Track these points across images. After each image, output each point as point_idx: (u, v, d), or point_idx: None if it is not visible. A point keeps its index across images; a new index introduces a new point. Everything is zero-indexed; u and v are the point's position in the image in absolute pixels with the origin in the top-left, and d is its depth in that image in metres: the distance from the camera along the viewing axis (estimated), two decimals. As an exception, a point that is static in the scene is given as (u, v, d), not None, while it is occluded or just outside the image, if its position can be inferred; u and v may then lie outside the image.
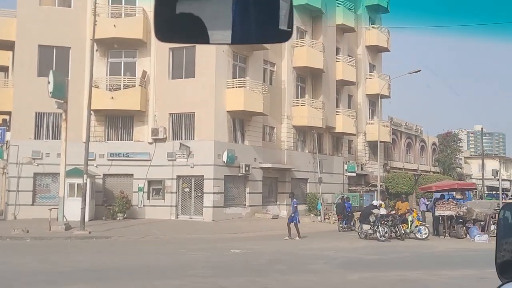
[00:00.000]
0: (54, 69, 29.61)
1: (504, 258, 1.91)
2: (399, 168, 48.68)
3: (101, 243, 19.61)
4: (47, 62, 29.67)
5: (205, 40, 1.62)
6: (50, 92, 22.49)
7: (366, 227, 19.65)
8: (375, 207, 20.00)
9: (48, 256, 15.14)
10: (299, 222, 21.34)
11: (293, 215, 21.30)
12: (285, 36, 1.60)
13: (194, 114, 28.97)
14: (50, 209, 23.05)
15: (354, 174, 38.96)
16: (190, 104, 28.72)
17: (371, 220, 19.57)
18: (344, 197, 28.74)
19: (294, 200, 22.17)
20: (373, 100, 44.83)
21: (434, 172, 54.74)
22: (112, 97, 28.77)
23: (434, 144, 57.96)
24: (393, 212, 20.78)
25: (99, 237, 20.84)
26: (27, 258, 14.86)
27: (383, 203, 21.48)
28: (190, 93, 28.74)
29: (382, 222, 19.22)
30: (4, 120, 32.13)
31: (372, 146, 44.51)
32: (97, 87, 29.52)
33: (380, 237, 19.08)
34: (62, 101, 23.31)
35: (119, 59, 30.37)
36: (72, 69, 29.68)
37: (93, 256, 15.63)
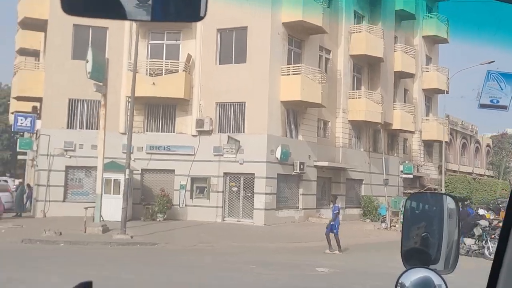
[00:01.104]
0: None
1: (409, 246, 2.00)
2: (454, 171, 44.80)
3: (147, 251, 16.49)
4: (82, 44, 26.74)
5: (115, 15, 1.49)
6: (89, 73, 19.49)
7: (469, 241, 16.11)
8: (481, 217, 16.48)
9: (87, 270, 12.04)
10: (337, 233, 17.51)
11: (332, 223, 17.62)
12: (197, 15, 1.48)
13: (244, 104, 25.73)
14: (86, 208, 20.10)
15: (411, 176, 35.30)
16: (240, 92, 25.49)
17: (477, 233, 16.06)
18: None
19: (336, 205, 18.28)
20: (429, 96, 41.11)
21: (488, 176, 50.62)
22: (154, 83, 25.68)
23: (488, 146, 53.77)
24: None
25: (143, 243, 17.73)
26: (64, 268, 11.82)
27: (488, 213, 17.89)
28: (240, 80, 25.50)
29: (492, 236, 15.65)
30: (34, 108, 29.34)
31: (427, 145, 40.78)
32: (137, 72, 26.52)
33: (490, 254, 15.50)
34: (101, 84, 20.30)
35: (161, 42, 27.30)
36: (109, 52, 26.65)
37: (143, 269, 12.51)
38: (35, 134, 28.87)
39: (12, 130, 29.15)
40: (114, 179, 23.95)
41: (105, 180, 24.24)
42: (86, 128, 26.64)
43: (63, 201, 25.89)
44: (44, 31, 28.85)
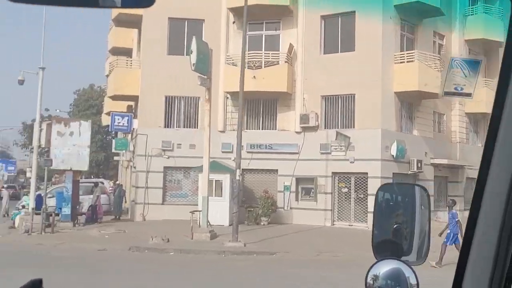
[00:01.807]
0: (185, 46, 25.52)
1: (381, 238, 1.98)
2: None
3: (267, 262, 14.54)
4: (177, 38, 25.52)
5: (66, 1, 1.48)
6: (193, 64, 17.88)
7: None
8: None
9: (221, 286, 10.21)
10: (448, 243, 14.15)
11: (448, 231, 14.26)
12: (148, 1, 1.43)
13: (353, 97, 23.34)
14: (192, 212, 18.56)
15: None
16: (349, 84, 23.10)
17: None
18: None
19: (454, 211, 15.09)
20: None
21: None
22: (254, 76, 23.83)
23: None
24: None
25: (259, 252, 15.81)
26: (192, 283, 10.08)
27: None
28: (349, 70, 23.10)
29: None
30: (129, 107, 28.48)
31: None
32: (235, 65, 24.86)
33: None
34: (206, 77, 18.67)
35: (260, 32, 25.43)
36: (206, 46, 25.12)
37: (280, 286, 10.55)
38: (130, 134, 27.97)
39: (110, 130, 28.46)
40: (216, 180, 22.35)
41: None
42: (184, 127, 25.32)
43: (162, 203, 24.68)
44: (138, 28, 27.93)
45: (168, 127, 25.14)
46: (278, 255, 15.37)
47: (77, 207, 22.59)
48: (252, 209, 23.58)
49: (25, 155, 57.77)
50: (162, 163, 24.79)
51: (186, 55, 25.22)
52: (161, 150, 24.71)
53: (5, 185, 44.50)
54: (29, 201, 22.21)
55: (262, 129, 25.08)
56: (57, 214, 20.95)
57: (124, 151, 29.48)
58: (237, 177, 18.06)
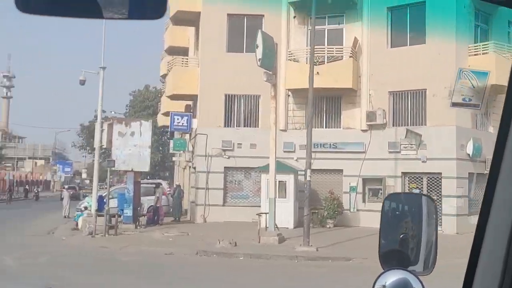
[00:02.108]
0: (245, 43, 24.85)
1: (387, 247, 1.99)
2: None
3: (345, 269, 13.52)
4: (237, 35, 24.84)
5: (72, 13, 1.46)
6: (259, 60, 17.08)
7: None
8: None
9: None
10: None
11: None
12: (158, 11, 1.44)
13: (424, 92, 21.98)
14: (259, 215, 17.76)
15: None
16: (419, 78, 21.75)
17: None
18: None
19: None
20: None
21: None
22: (318, 72, 22.75)
23: None
24: None
25: (334, 257, 14.81)
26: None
27: None
28: (419, 64, 21.75)
29: None
30: (187, 106, 28.00)
31: None
32: (296, 61, 23.98)
33: None
34: (271, 72, 17.83)
35: (322, 26, 24.36)
36: (266, 42, 24.30)
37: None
38: (189, 135, 27.49)
39: (169, 130, 28.09)
40: (279, 181, 21.46)
41: (268, 182, 22.01)
42: (244, 126, 24.60)
43: (223, 205, 24.03)
44: (195, 26, 27.45)
45: (228, 126, 24.49)
46: (356, 262, 14.31)
47: (138, 208, 22.22)
48: (316, 211, 22.54)
49: (83, 156, 58.93)
50: (222, 164, 24.15)
51: (246, 52, 24.80)
52: (221, 150, 24.07)
53: (66, 186, 45.26)
54: (91, 202, 22.00)
55: (326, 127, 24.05)
56: (119, 216, 20.60)
57: (181, 151, 29.07)
58: (308, 178, 17.14)
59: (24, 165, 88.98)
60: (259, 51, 17.05)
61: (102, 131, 21.52)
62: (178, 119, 25.20)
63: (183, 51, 31.43)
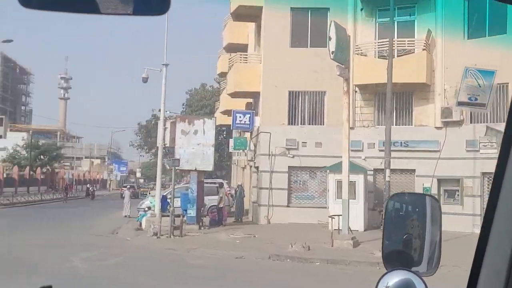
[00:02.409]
0: (309, 37, 23.90)
1: (391, 248, 1.99)
2: None
3: (438, 278, 12.29)
4: (300, 30, 23.90)
5: (75, 8, 1.45)
6: (332, 52, 16.07)
7: None
8: None
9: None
10: None
11: None
12: (163, 7, 1.45)
13: (506, 86, 20.41)
14: (332, 217, 16.79)
15: None
16: (501, 71, 20.08)
17: None
18: None
19: None
20: None
21: None
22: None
23: None
24: None
25: (419, 264, 13.63)
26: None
27: None
28: (500, 56, 20.14)
29: None
30: (248, 104, 27.27)
31: None
32: (364, 55, 22.80)
33: None
34: (344, 66, 16.80)
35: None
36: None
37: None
38: (249, 133, 26.76)
39: (231, 128, 27.46)
40: (343, 181, 20.37)
41: (337, 183, 21.03)
42: (309, 124, 23.65)
43: (287, 206, 23.15)
44: (256, 21, 26.70)
45: (292, 124, 23.61)
46: (445, 269, 13.07)
47: (202, 209, 21.63)
48: (386, 213, 21.32)
49: (140, 155, 59.43)
50: (286, 163, 23.28)
51: (310, 47, 23.86)
52: (285, 149, 23.20)
53: (128, 185, 45.49)
54: (154, 202, 21.59)
55: (396, 124, 22.69)
56: (183, 216, 20.07)
57: (241, 150, 28.40)
58: (387, 178, 16.02)
59: (81, 164, 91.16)
60: (332, 44, 16.06)
61: (165, 129, 21.05)
62: (240, 117, 24.52)
63: (242, 48, 30.74)
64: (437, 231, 1.95)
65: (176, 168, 20.67)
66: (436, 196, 21.36)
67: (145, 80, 23.78)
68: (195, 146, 20.89)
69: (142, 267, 13.10)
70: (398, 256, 1.93)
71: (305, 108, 23.77)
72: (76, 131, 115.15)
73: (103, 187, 79.04)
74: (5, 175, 49.59)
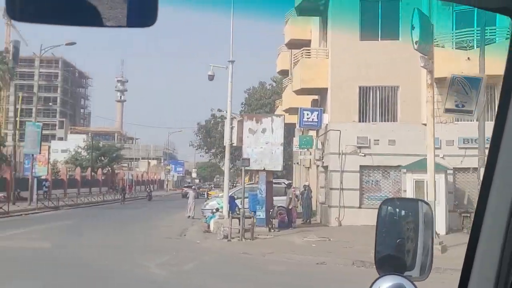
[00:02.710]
0: (380, 29, 22.69)
1: (383, 253, 1.98)
2: None
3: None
4: (370, 21, 22.69)
5: (65, 21, 1.45)
6: (415, 42, 14.89)
7: None
8: None
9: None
10: None
11: None
12: (150, 20, 1.46)
13: None
14: (417, 220, 15.50)
15: None
16: None
17: None
18: None
19: None
20: None
21: None
22: (468, 58, 20.12)
23: None
24: None
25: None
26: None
27: None
28: None
29: None
30: (314, 101, 26.28)
31: None
32: (441, 47, 21.36)
33: None
34: (427, 57, 15.58)
35: (470, 7, 21.52)
36: (404, 26, 21.97)
37: None
38: (316, 131, 25.76)
39: (298, 126, 26.56)
40: (427, 181, 19.07)
41: (415, 183, 19.78)
42: (381, 121, 22.42)
43: (359, 207, 22.02)
44: (321, 15, 25.67)
45: (363, 121, 22.46)
46: None
47: (271, 210, 20.83)
48: (468, 215, 19.88)
49: (200, 155, 59.42)
50: (357, 162, 22.14)
51: (381, 39, 22.65)
52: (356, 147, 22.07)
53: (192, 186, 45.39)
54: (221, 203, 20.97)
55: (477, 120, 21.18)
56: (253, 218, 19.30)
57: (305, 149, 27.46)
58: (481, 178, 14.56)
59: (139, 165, 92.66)
60: (416, 33, 14.86)
61: (231, 128, 20.38)
62: (307, 114, 23.56)
63: (305, 44, 29.71)
64: (429, 236, 1.97)
65: (246, 167, 19.95)
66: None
67: (211, 78, 23.20)
68: (263, 145, 20.12)
69: (220, 273, 12.39)
70: (390, 261, 1.93)
71: (376, 104, 22.56)
72: (132, 132, 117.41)
73: (160, 188, 79.90)
74: (67, 176, 50.60)
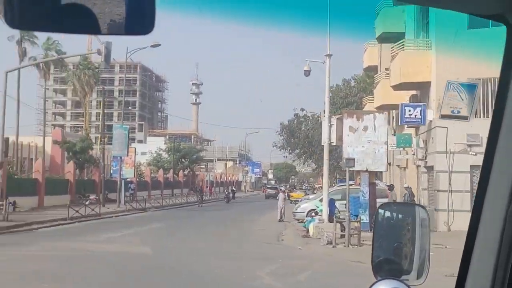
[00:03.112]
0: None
1: (380, 257, 1.97)
2: None
3: None
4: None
5: (63, 29, 1.43)
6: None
7: None
8: None
9: None
10: None
11: None
12: (147, 27, 1.42)
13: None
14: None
15: None
16: None
17: None
18: None
19: None
20: None
21: None
22: None
23: None
24: None
25: None
26: None
27: None
28: None
29: None
30: (413, 96, 24.51)
31: None
32: None
33: None
34: None
35: None
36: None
37: None
38: (415, 129, 24.04)
39: (400, 123, 24.96)
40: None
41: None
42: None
43: (470, 210, 20.08)
44: (420, 2, 23.87)
45: (476, 117, 20.55)
46: None
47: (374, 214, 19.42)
48: None
49: (284, 156, 58.49)
50: (467, 161, 20.25)
51: (492, 26, 20.64)
52: (466, 145, 20.20)
53: (283, 188, 44.62)
54: (320, 206, 19.81)
55: None
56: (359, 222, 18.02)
57: (403, 148, 25.73)
58: None
59: (215, 167, 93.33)
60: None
61: (330, 126, 19.17)
62: (409, 110, 21.87)
63: (399, 37, 28.00)
64: (426, 240, 1.96)
65: (351, 168, 18.66)
66: None
67: (307, 73, 22.14)
68: (365, 144, 18.77)
69: (340, 284, 11.24)
70: (388, 265, 1.91)
71: (488, 98, 20.58)
72: (207, 134, 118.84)
73: (237, 189, 79.96)
74: (151, 178, 51.30)
